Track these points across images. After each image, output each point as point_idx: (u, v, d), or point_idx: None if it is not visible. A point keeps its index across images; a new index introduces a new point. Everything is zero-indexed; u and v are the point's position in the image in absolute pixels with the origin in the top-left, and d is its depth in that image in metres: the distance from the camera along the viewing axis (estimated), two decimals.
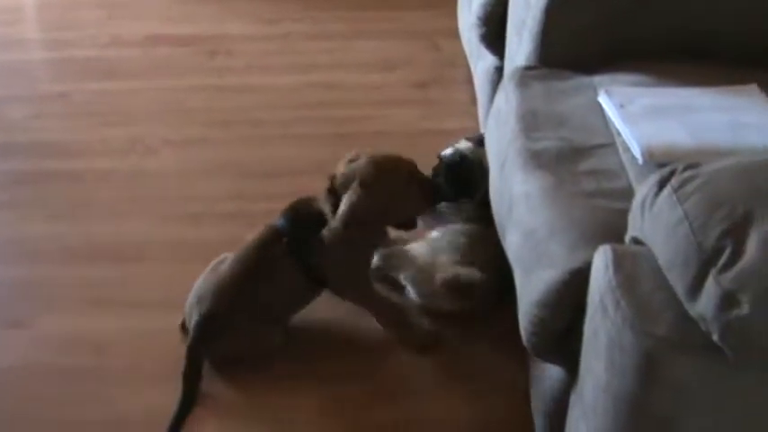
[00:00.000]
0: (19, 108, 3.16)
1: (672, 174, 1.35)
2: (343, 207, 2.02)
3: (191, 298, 2.13)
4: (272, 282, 2.08)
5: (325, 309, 2.20)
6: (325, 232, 2.07)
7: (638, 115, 1.81)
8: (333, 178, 2.08)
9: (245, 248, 2.12)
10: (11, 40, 3.69)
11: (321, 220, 2.08)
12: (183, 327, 2.15)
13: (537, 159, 1.78)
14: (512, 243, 1.74)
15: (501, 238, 1.85)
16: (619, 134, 1.80)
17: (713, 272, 1.20)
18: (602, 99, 1.90)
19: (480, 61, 2.74)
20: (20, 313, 2.29)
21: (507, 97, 2.01)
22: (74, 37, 3.66)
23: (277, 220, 2.13)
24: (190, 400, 2.01)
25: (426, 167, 2.32)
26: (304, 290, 2.14)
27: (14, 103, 3.19)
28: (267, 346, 2.12)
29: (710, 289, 1.20)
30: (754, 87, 1.90)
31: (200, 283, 2.15)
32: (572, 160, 1.76)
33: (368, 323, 2.18)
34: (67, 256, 2.47)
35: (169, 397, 2.01)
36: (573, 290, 1.47)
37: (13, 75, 3.41)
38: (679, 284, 1.25)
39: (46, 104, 3.19)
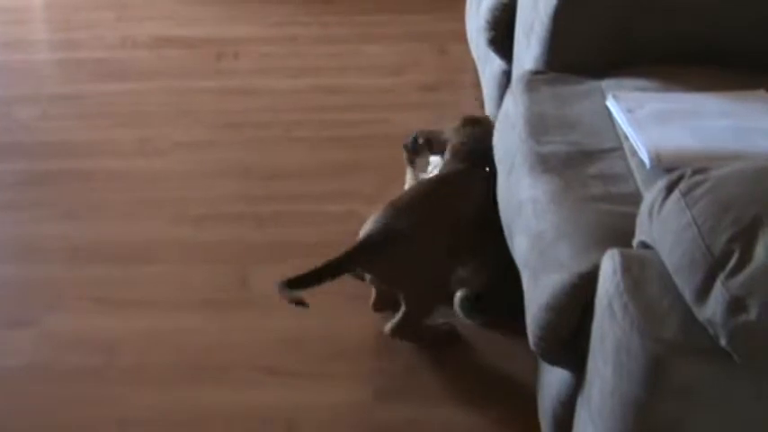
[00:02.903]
0: (26, 108, 3.17)
1: (680, 178, 1.35)
2: None
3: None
4: (469, 199, 2.10)
5: (327, 313, 2.21)
6: None
7: (646, 120, 1.81)
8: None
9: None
10: (18, 40, 3.71)
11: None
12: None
13: (545, 163, 1.78)
14: (519, 247, 1.74)
15: (508, 241, 1.85)
16: (626, 138, 1.80)
17: (721, 277, 1.20)
18: (610, 104, 1.90)
19: (488, 65, 2.74)
20: (26, 313, 2.29)
21: (515, 101, 2.01)
22: (82, 38, 3.68)
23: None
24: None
25: None
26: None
27: (22, 103, 3.21)
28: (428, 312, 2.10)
29: (718, 294, 1.19)
30: (761, 92, 1.91)
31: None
32: (580, 164, 1.77)
33: (373, 324, 2.19)
34: (75, 255, 2.47)
35: (176, 398, 2.02)
36: (581, 293, 1.47)
37: (21, 75, 3.43)
38: (687, 289, 1.25)
39: (53, 105, 3.20)
